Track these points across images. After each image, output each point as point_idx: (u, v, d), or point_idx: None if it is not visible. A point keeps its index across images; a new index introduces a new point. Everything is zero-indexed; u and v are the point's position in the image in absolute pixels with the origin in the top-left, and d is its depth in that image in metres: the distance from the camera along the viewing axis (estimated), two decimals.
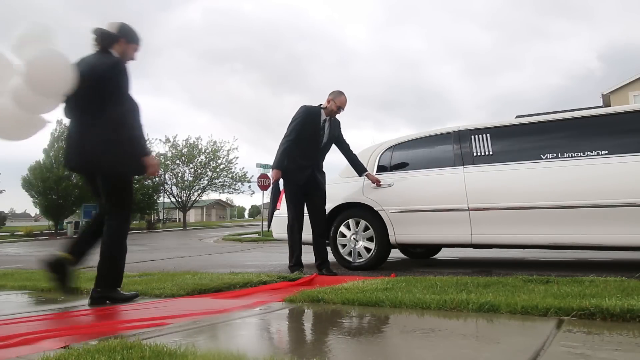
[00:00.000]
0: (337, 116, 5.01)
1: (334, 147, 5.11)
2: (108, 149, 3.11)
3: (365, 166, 5.13)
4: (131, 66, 3.30)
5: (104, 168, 3.18)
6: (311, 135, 4.83)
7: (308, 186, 4.85)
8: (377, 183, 5.06)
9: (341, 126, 5.12)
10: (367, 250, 5.11)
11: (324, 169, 5.08)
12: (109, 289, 3.34)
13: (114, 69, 3.15)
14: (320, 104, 4.95)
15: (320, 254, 4.87)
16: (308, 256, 5.19)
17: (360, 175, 5.10)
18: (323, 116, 4.87)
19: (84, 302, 3.63)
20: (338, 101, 4.84)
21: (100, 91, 3.10)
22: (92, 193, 3.37)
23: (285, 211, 5.09)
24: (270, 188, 5.12)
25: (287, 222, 5.00)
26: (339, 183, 5.38)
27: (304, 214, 4.96)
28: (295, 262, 4.90)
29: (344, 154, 5.13)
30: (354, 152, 5.15)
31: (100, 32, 3.23)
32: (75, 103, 3.17)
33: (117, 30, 3.29)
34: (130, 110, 3.21)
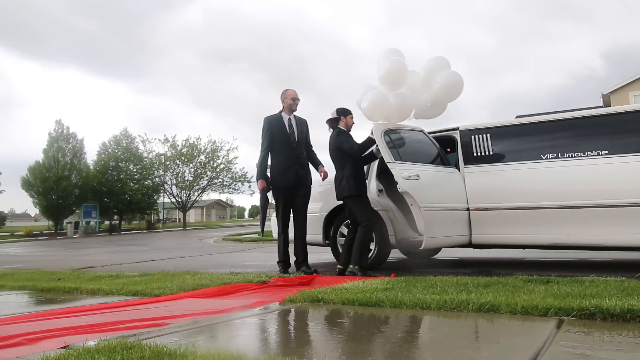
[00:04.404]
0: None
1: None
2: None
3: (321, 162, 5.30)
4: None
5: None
6: (281, 138, 5.05)
7: (293, 188, 5.00)
8: (324, 176, 5.18)
9: (308, 125, 5.27)
10: (368, 250, 5.09)
11: (309, 167, 5.24)
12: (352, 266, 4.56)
13: (340, 140, 4.79)
14: (280, 110, 5.17)
15: (300, 253, 4.99)
16: (314, 255, 5.22)
17: (316, 169, 5.26)
18: (287, 117, 5.11)
19: (83, 302, 3.63)
20: (288, 95, 5.14)
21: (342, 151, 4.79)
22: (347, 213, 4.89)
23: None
24: (259, 198, 5.20)
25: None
26: None
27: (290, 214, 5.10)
28: (281, 259, 5.05)
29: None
30: (313, 151, 5.29)
31: (330, 120, 4.91)
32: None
33: (336, 113, 4.89)
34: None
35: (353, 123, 4.88)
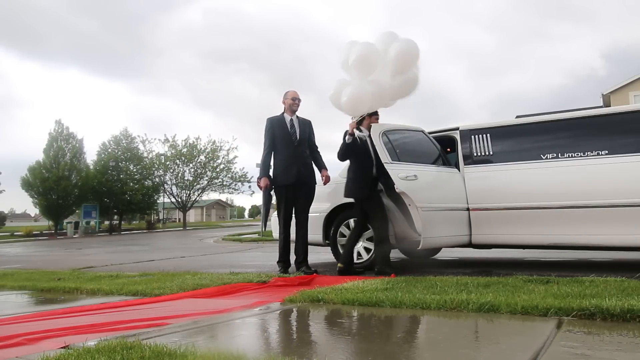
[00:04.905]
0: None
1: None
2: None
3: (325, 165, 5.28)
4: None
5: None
6: (283, 138, 5.06)
7: (295, 187, 4.98)
8: (326, 180, 5.18)
9: (312, 126, 5.28)
10: (367, 250, 5.10)
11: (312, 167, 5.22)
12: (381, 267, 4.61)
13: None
14: (283, 111, 5.17)
15: (301, 253, 4.99)
16: (314, 255, 5.22)
17: (319, 171, 5.27)
18: (288, 117, 5.11)
19: (83, 302, 3.63)
20: (288, 96, 5.14)
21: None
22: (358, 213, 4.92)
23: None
24: (262, 196, 5.20)
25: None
26: (339, 183, 5.36)
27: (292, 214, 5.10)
28: (281, 258, 5.06)
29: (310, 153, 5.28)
30: (318, 152, 5.28)
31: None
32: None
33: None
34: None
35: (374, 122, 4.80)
